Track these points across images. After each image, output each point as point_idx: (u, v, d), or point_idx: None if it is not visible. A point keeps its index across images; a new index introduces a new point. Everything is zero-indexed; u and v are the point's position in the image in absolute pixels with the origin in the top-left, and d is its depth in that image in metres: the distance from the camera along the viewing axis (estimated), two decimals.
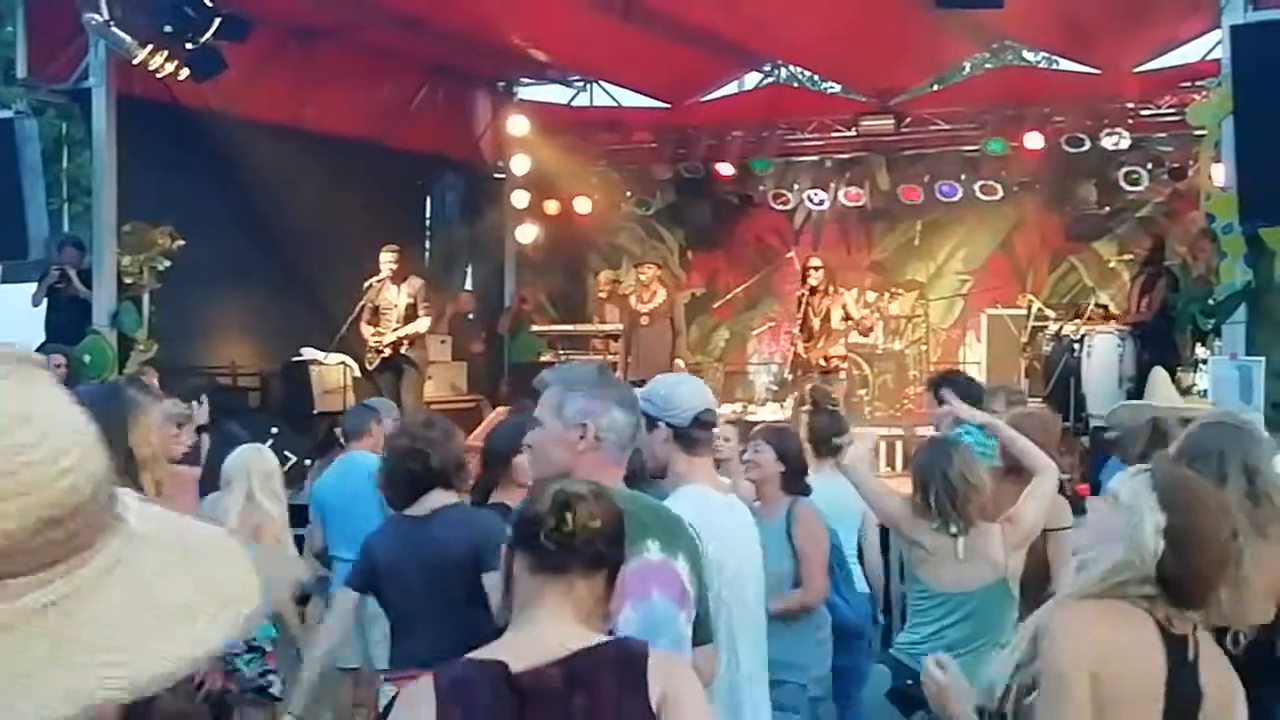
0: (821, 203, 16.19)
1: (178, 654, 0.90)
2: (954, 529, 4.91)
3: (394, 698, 3.97)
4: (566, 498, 2.56)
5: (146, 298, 11.93)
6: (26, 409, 0.92)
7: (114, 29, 11.14)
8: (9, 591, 0.88)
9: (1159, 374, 6.74)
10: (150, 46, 11.26)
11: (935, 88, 16.47)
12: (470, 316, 16.22)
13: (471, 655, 2.54)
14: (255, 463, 6.22)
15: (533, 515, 2.57)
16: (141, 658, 0.89)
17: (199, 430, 6.80)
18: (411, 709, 2.50)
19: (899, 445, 12.76)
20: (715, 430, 4.30)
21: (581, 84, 16.79)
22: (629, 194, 17.04)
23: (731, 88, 16.43)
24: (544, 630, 2.53)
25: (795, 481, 5.75)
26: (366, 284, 12.81)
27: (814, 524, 5.67)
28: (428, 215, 16.93)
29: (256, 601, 0.97)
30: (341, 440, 7.49)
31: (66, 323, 11.69)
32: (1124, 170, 14.40)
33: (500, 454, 5.23)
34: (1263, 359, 8.91)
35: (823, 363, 13.06)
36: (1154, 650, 2.81)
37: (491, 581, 3.89)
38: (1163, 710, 2.79)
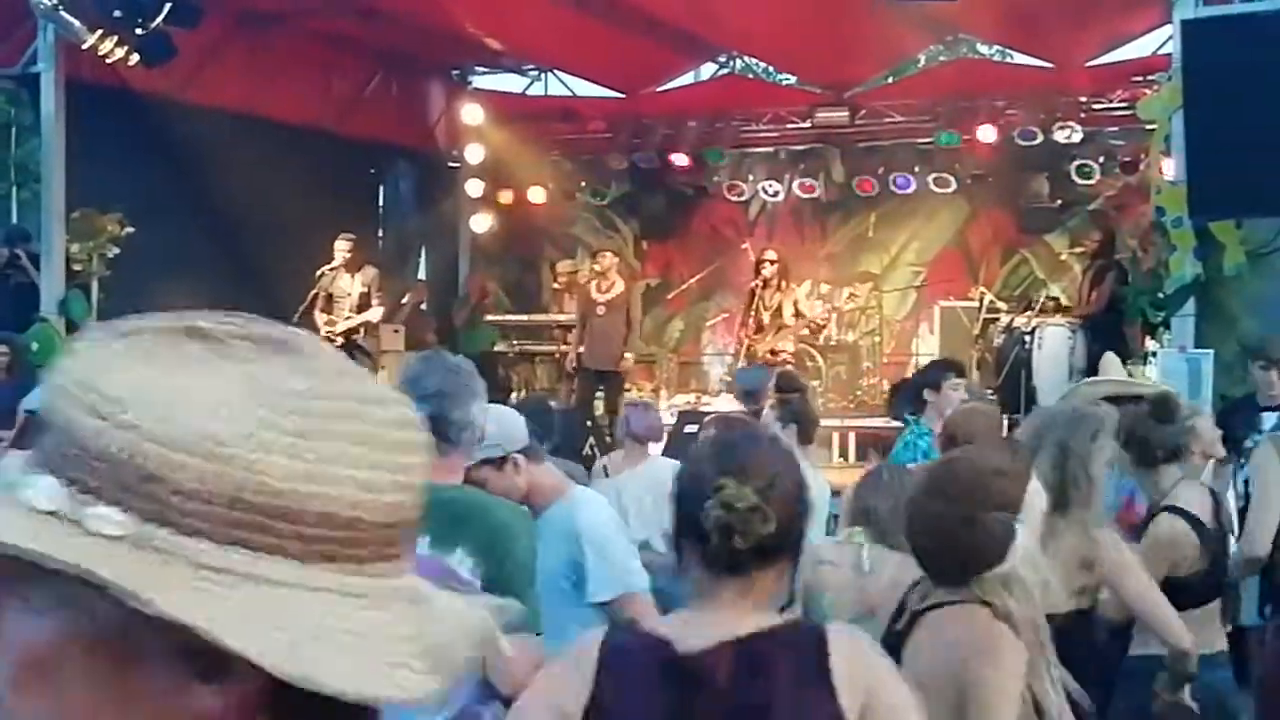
0: (776, 194, 16.22)
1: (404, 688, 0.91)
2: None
3: None
4: (727, 521, 2.28)
5: (95, 285, 11.80)
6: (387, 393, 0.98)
7: (63, 13, 11.01)
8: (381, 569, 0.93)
9: (1110, 358, 6.82)
10: (100, 31, 11.13)
11: (890, 80, 16.52)
12: (423, 306, 16.15)
13: (642, 627, 2.47)
14: None
15: (700, 514, 2.31)
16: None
17: None
18: (574, 663, 2.39)
19: (851, 437, 12.82)
20: None
21: (536, 73, 16.74)
22: (583, 184, 17.01)
23: (687, 78, 16.40)
24: (719, 615, 2.35)
25: None
26: (319, 272, 12.74)
27: None
28: (381, 204, 16.85)
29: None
30: None
31: (13, 310, 11.56)
32: (1076, 163, 14.49)
33: None
34: (1211, 352, 9.00)
35: (770, 356, 13.11)
36: None
37: None
38: None
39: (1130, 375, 7.27)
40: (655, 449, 8.23)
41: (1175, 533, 4.80)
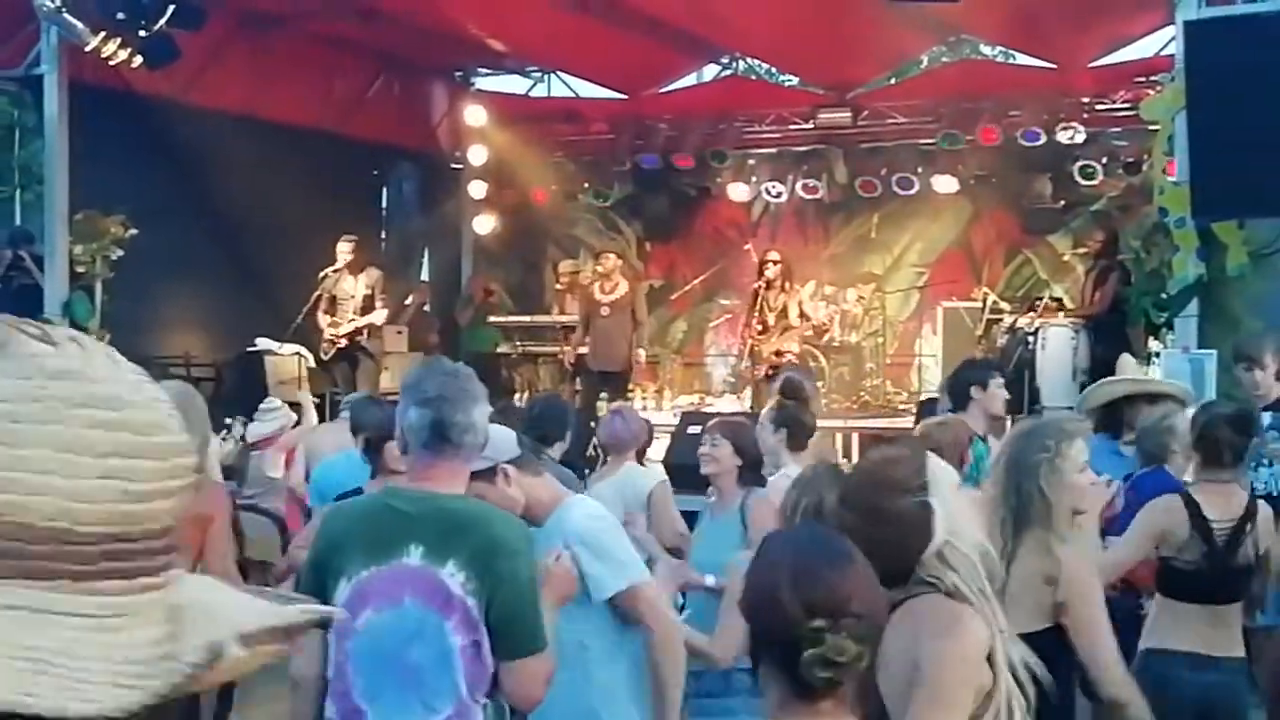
0: (779, 195, 16.22)
1: None
2: None
3: None
4: (829, 672, 2.10)
5: (99, 287, 11.81)
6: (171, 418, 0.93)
7: (66, 15, 11.02)
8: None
9: (1126, 359, 6.88)
10: (103, 33, 11.15)
11: (892, 81, 16.53)
12: (426, 308, 16.16)
13: None
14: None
15: (786, 652, 2.13)
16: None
17: None
18: None
19: (855, 438, 12.81)
20: None
21: (539, 74, 16.75)
22: (586, 185, 17.01)
23: (689, 79, 16.41)
24: None
25: (751, 474, 5.75)
26: (322, 274, 12.75)
27: (768, 515, 5.67)
28: (384, 206, 16.86)
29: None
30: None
31: (16, 312, 11.51)
32: (1079, 164, 14.48)
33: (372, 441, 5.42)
34: (1214, 352, 8.98)
35: (774, 357, 13.11)
36: None
37: None
38: None
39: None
40: (654, 452, 8.19)
41: (1171, 506, 4.96)
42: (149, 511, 0.89)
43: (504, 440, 3.85)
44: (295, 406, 9.86)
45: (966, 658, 2.76)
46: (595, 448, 10.62)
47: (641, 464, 7.22)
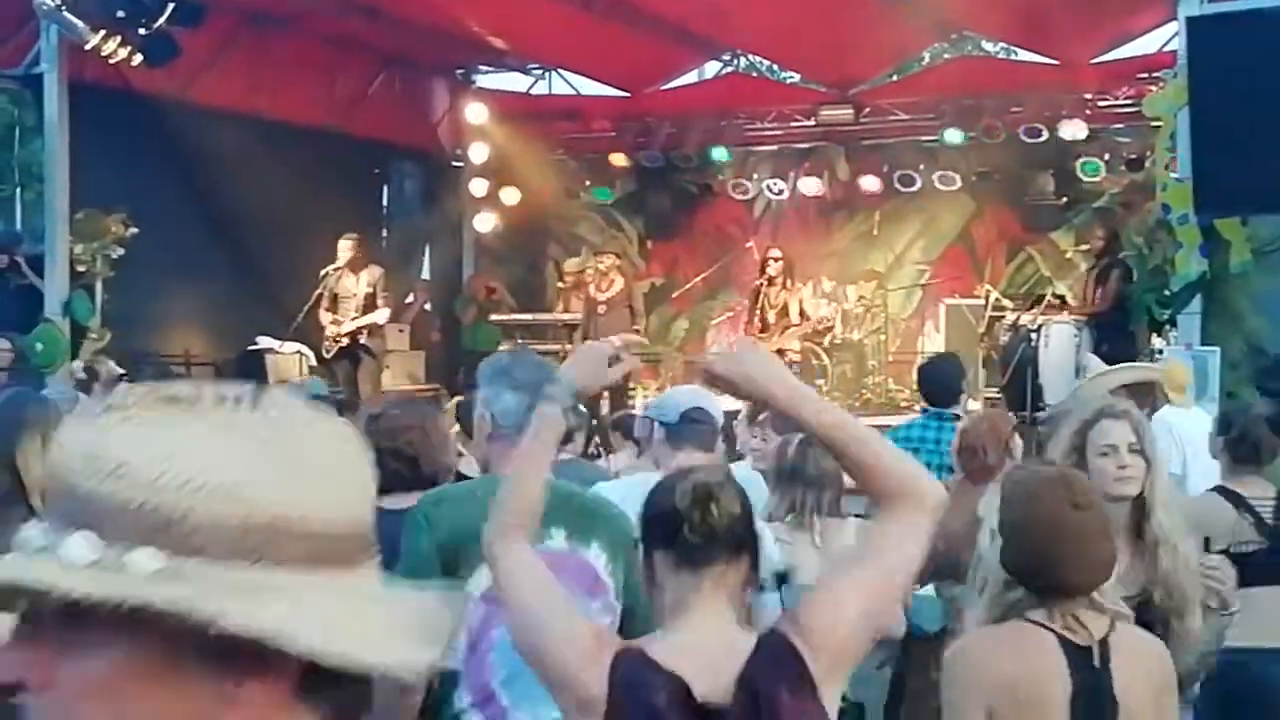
0: (781, 192, 16.21)
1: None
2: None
3: None
4: (708, 488, 2.51)
5: (100, 286, 11.79)
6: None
7: (66, 14, 11.00)
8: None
9: (1092, 359, 6.90)
10: (103, 32, 11.13)
11: (894, 78, 16.49)
12: (428, 306, 16.14)
13: (648, 655, 2.45)
14: None
15: (672, 510, 2.51)
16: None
17: None
18: (587, 668, 2.44)
19: None
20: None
21: (540, 72, 16.73)
22: (588, 183, 17.01)
23: (691, 77, 16.40)
24: (707, 633, 2.48)
25: None
26: (324, 272, 12.73)
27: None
28: (385, 203, 16.83)
29: None
30: None
31: (17, 311, 11.54)
32: (1081, 161, 14.47)
33: None
34: (1217, 349, 8.97)
35: (775, 355, 13.11)
36: (1054, 670, 2.82)
37: None
38: None
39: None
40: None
41: (1210, 500, 4.98)
42: (367, 512, 1.13)
43: None
44: None
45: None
46: (596, 446, 10.59)
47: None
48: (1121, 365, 6.95)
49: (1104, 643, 2.85)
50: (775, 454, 5.04)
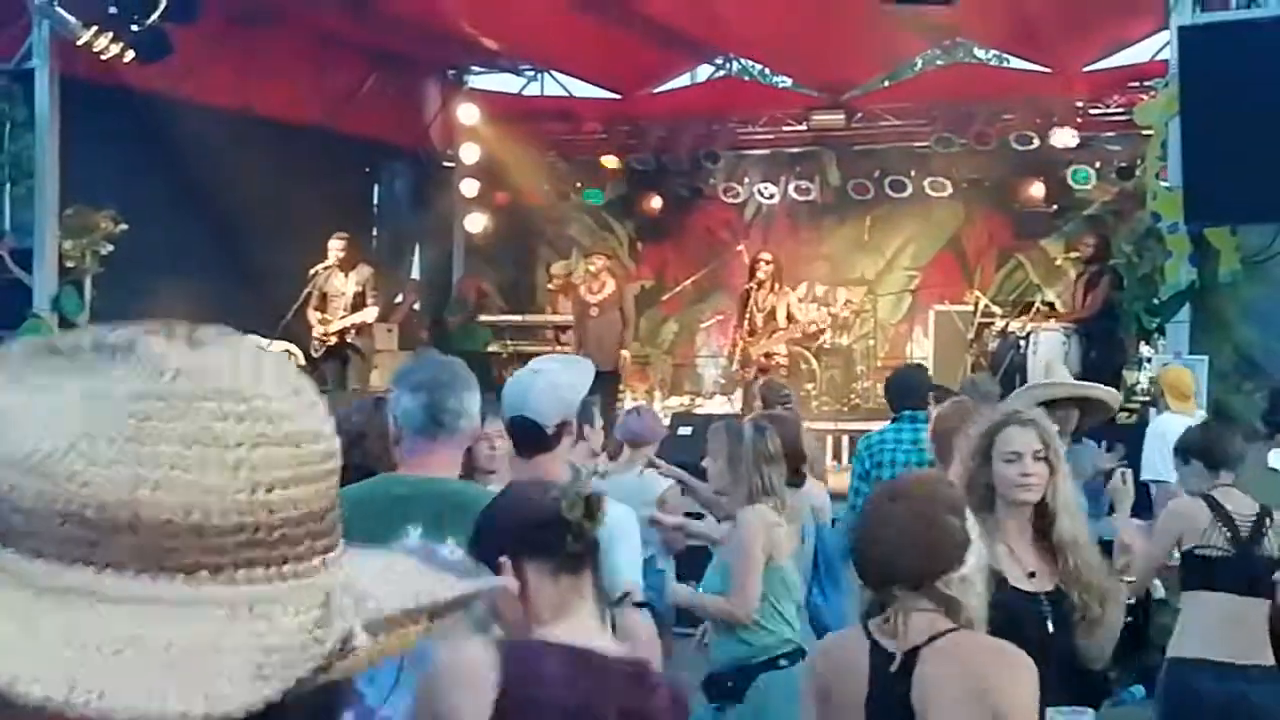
0: (772, 196, 16.22)
1: None
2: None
3: None
4: (589, 497, 2.61)
5: (89, 282, 11.76)
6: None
7: (58, 9, 10.97)
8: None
9: (1058, 366, 6.97)
10: (95, 28, 11.08)
11: (886, 83, 16.50)
12: (417, 306, 16.12)
13: (528, 639, 2.58)
14: None
15: (554, 519, 2.59)
16: None
17: None
18: (469, 688, 2.48)
19: (845, 440, 12.79)
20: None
21: (532, 73, 16.72)
22: (579, 184, 16.99)
23: (683, 80, 16.39)
24: (589, 634, 2.64)
25: (793, 476, 5.68)
26: (313, 271, 12.71)
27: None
28: (375, 203, 16.80)
29: None
30: None
31: (4, 306, 11.50)
32: (1072, 168, 14.51)
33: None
34: (1206, 358, 8.99)
35: (763, 359, 13.12)
36: (860, 676, 2.88)
37: None
38: None
39: (1123, 385, 7.37)
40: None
41: (1192, 504, 5.19)
42: (284, 499, 0.90)
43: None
44: None
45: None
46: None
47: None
48: (1058, 381, 7.00)
49: (914, 650, 2.82)
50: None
